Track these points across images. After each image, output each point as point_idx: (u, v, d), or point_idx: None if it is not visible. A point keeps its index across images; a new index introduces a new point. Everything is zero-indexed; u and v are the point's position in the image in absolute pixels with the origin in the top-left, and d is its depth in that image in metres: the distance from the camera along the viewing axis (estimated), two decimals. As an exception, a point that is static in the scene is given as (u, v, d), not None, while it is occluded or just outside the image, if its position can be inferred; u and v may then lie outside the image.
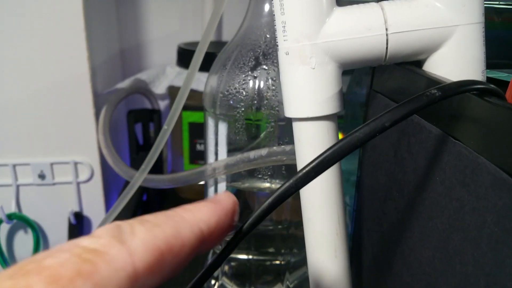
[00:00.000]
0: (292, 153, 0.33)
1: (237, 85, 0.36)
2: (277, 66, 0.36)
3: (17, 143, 0.60)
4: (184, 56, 0.69)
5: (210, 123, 0.39)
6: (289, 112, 0.28)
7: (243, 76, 0.36)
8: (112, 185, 0.70)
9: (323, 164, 0.19)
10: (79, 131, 0.61)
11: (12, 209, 0.62)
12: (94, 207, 0.65)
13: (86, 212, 0.65)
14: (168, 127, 0.41)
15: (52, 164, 0.62)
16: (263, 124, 0.36)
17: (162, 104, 0.78)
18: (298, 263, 0.44)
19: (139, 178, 0.43)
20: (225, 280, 0.44)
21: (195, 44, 0.71)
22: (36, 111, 0.59)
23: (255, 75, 0.35)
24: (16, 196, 0.62)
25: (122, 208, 0.46)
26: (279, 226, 0.41)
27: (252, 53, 0.36)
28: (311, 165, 0.19)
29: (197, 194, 0.69)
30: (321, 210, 0.29)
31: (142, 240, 0.14)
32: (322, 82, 0.27)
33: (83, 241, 0.13)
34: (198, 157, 0.69)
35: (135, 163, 0.69)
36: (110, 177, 0.69)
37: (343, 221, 0.30)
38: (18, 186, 0.62)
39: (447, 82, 0.21)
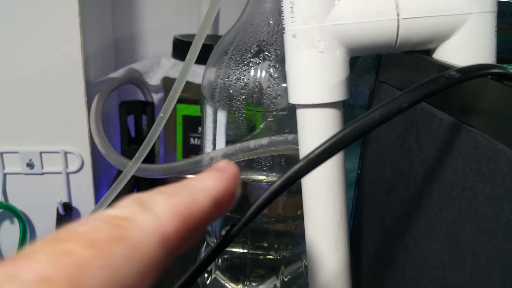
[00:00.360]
0: (295, 142, 0.32)
1: (238, 72, 0.35)
2: (280, 54, 0.35)
3: (6, 131, 0.58)
4: (180, 48, 0.68)
5: (209, 111, 0.38)
6: (294, 99, 0.27)
7: (245, 62, 0.35)
8: (102, 176, 0.69)
9: (336, 145, 0.18)
10: (70, 120, 0.59)
11: (-1, 198, 0.60)
12: (84, 199, 0.63)
13: (75, 203, 0.63)
14: (164, 114, 0.39)
15: (41, 153, 0.60)
16: (263, 113, 0.35)
17: (156, 97, 0.77)
18: (293, 258, 0.43)
19: (133, 167, 0.41)
20: (219, 274, 0.43)
21: (192, 36, 0.71)
22: (26, 98, 0.57)
23: (257, 62, 0.34)
24: (3, 185, 0.60)
25: (112, 199, 0.44)
26: (273, 219, 0.40)
27: (254, 39, 0.35)
28: (323, 147, 0.18)
29: (189, 188, 0.68)
30: (323, 201, 0.29)
31: (165, 207, 0.14)
32: (329, 67, 0.26)
33: (110, 211, 0.14)
34: (192, 151, 0.68)
35: (127, 156, 0.68)
36: (100, 168, 0.67)
37: (345, 213, 0.29)
38: (5, 175, 0.60)
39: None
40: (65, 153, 0.60)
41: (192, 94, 0.65)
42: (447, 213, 0.23)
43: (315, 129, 0.27)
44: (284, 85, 0.35)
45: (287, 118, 0.36)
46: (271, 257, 0.42)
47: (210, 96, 0.37)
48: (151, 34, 0.82)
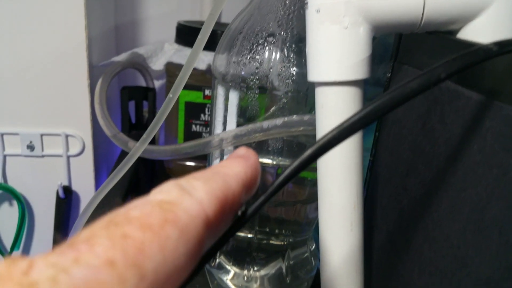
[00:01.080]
0: (311, 122, 0.32)
1: (252, 52, 0.34)
2: (296, 34, 0.34)
3: (7, 112, 0.58)
4: (184, 33, 0.67)
5: (220, 92, 0.37)
6: (314, 76, 0.27)
7: (260, 42, 0.34)
8: (102, 161, 0.68)
9: (372, 115, 0.17)
10: (72, 102, 0.59)
11: (-2, 179, 0.59)
12: (84, 182, 0.62)
13: (75, 187, 0.63)
14: (173, 95, 0.39)
15: (42, 135, 0.59)
16: (277, 95, 0.35)
17: (157, 84, 0.76)
18: (298, 243, 0.43)
19: (140, 148, 0.41)
20: (223, 259, 0.43)
21: (196, 22, 0.70)
22: (29, 80, 0.57)
23: (272, 42, 0.34)
24: (3, 166, 0.59)
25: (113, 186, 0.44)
26: (276, 203, 0.40)
27: (269, 19, 0.34)
28: (359, 115, 0.17)
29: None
30: (339, 181, 0.28)
31: (204, 191, 0.14)
32: (353, 44, 0.25)
33: (156, 196, 0.14)
34: (193, 138, 0.67)
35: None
36: (101, 153, 0.67)
37: (361, 194, 0.29)
38: (5, 156, 0.59)
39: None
40: (66, 136, 0.60)
41: (195, 80, 0.64)
42: (472, 192, 0.23)
43: (335, 108, 0.27)
44: (294, 69, 0.35)
45: (301, 100, 0.35)
46: (277, 242, 0.42)
47: (222, 76, 0.37)
48: (152, 20, 0.81)
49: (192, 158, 0.68)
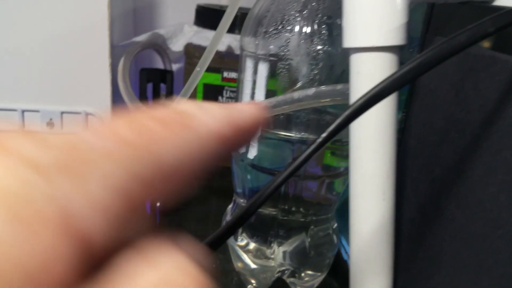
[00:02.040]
0: (343, 92, 0.32)
1: (283, 23, 0.35)
2: (327, 6, 0.34)
3: (28, 88, 0.58)
4: (204, 15, 0.67)
5: (249, 64, 0.38)
6: (351, 42, 0.27)
7: (291, 13, 0.34)
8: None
9: (422, 66, 0.18)
10: (93, 81, 0.59)
11: (18, 156, 0.60)
12: (102, 161, 0.63)
13: (94, 166, 0.63)
14: (200, 68, 0.39)
15: (62, 113, 0.60)
16: (308, 66, 0.35)
17: (175, 67, 0.76)
18: (321, 221, 0.43)
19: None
20: (245, 235, 0.43)
21: (214, 5, 0.70)
22: (50, 56, 0.57)
23: (304, 13, 0.34)
24: (23, 143, 0.60)
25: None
26: (305, 175, 0.40)
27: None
28: (410, 66, 0.18)
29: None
30: (373, 148, 0.29)
31: (218, 112, 0.15)
32: (391, 9, 0.26)
33: (174, 105, 0.14)
34: (210, 120, 0.68)
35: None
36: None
37: (394, 163, 0.29)
38: (25, 133, 0.60)
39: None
40: (87, 114, 0.60)
41: (214, 63, 0.64)
42: (507, 154, 0.23)
43: (372, 73, 0.27)
44: (324, 41, 0.35)
45: (329, 74, 0.36)
46: (300, 219, 0.42)
47: (251, 48, 0.37)
48: (170, 3, 0.82)
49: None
